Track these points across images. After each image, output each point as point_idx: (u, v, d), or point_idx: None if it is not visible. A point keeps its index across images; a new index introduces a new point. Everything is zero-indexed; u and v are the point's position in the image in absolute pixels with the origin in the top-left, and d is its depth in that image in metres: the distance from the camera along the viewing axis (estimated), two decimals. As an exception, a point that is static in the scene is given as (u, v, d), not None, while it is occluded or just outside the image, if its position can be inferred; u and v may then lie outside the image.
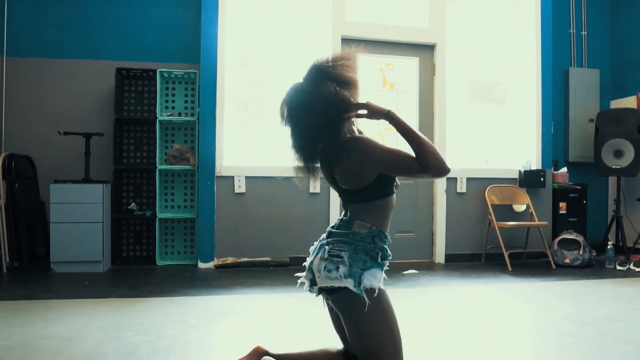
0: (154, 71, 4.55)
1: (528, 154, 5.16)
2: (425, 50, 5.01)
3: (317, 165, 1.72)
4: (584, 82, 5.68)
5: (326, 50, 4.68)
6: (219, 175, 4.47)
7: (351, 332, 1.61)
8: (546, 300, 3.38)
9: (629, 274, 4.37)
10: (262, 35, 4.73)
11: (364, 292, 1.55)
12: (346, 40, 4.74)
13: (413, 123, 4.93)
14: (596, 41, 5.86)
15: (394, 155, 1.59)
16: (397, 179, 1.73)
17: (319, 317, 1.39)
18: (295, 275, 1.80)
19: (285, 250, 4.58)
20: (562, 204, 5.23)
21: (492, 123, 5.27)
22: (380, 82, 4.93)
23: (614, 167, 5.14)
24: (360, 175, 1.62)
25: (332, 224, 1.75)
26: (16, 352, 2.21)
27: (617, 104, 5.75)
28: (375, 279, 1.59)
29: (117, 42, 4.75)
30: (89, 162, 4.35)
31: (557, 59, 5.52)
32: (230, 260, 4.46)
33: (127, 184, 4.76)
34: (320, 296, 1.70)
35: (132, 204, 4.67)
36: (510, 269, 4.50)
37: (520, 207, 5.06)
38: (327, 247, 1.62)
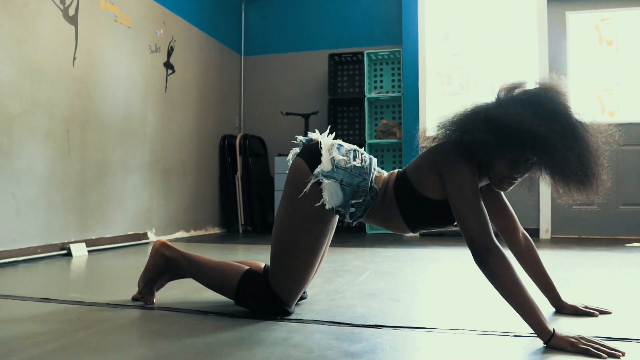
0: (362, 54, 4.95)
1: None
2: (650, -1, 4.49)
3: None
4: None
5: (530, 16, 4.54)
6: (423, 146, 4.64)
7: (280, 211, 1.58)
8: None
9: None
10: (462, 6, 4.78)
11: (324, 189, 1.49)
12: (552, 1, 4.52)
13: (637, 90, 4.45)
14: None
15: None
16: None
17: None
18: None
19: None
20: None
21: None
22: (596, 40, 4.56)
23: None
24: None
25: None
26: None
27: None
28: (334, 199, 1.50)
29: (329, 32, 5.30)
30: (308, 139, 4.92)
31: None
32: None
33: (341, 160, 5.23)
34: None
35: (346, 177, 5.12)
36: None
37: None
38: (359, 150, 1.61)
